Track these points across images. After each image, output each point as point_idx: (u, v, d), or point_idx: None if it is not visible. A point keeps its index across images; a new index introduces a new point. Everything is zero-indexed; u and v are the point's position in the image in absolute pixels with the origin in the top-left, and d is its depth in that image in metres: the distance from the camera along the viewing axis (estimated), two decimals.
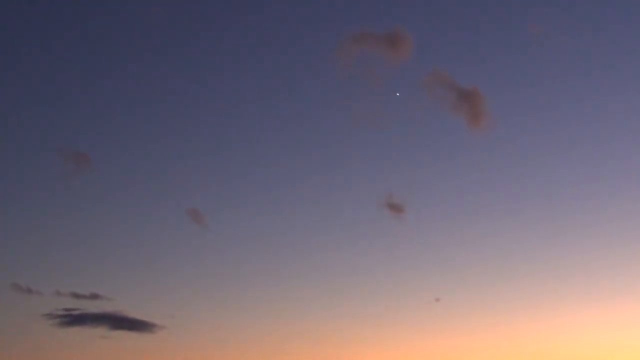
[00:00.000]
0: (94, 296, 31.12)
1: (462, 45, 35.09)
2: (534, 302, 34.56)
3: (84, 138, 34.73)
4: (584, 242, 35.15)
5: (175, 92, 36.83)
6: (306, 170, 37.47)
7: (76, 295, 31.70)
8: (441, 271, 34.24)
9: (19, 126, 34.78)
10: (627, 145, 36.58)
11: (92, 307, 33.08)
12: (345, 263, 35.00)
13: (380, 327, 34.05)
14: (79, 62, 36.70)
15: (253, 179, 36.80)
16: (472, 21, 35.34)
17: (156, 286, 33.16)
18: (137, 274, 33.97)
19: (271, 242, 34.05)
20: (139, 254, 34.79)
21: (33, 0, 32.68)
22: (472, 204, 35.15)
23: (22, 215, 34.66)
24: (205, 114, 38.20)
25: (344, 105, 34.37)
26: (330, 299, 34.56)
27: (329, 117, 35.08)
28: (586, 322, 36.92)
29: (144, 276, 34.63)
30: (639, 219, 35.79)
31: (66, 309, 33.13)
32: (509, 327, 34.45)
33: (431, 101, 34.23)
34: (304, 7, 33.45)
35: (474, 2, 35.27)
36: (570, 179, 36.40)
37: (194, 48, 36.69)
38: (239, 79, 37.24)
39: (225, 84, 37.11)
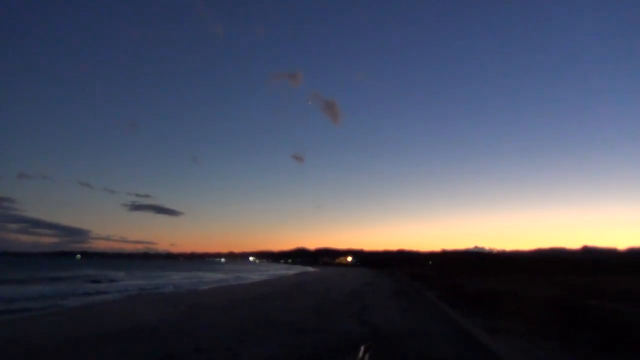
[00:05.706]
0: (146, 195, 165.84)
1: (326, 79, 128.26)
2: (376, 213, 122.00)
3: (134, 112, 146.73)
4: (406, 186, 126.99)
5: (194, 90, 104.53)
6: (252, 138, 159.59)
7: (137, 194, 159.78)
8: (323, 191, 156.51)
9: (95, 103, 79.55)
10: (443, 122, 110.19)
11: (146, 201, 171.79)
12: (271, 188, 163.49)
13: (288, 221, 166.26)
14: (135, 60, 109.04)
15: (228, 142, 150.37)
16: (331, 66, 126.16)
17: (179, 191, 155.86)
18: (169, 184, 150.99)
19: (233, 173, 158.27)
20: (168, 175, 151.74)
21: None
22: (335, 160, 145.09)
23: (104, 155, 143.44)
24: (206, 105, 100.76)
25: (271, 108, 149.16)
26: (263, 205, 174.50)
27: (264, 114, 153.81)
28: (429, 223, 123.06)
29: (172, 186, 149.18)
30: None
31: (132, 202, 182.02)
32: (365, 227, 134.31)
33: (312, 106, 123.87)
34: (254, 59, 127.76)
35: (333, 61, 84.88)
36: (392, 149, 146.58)
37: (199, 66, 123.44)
38: (218, 94, 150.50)
39: (208, 97, 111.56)
